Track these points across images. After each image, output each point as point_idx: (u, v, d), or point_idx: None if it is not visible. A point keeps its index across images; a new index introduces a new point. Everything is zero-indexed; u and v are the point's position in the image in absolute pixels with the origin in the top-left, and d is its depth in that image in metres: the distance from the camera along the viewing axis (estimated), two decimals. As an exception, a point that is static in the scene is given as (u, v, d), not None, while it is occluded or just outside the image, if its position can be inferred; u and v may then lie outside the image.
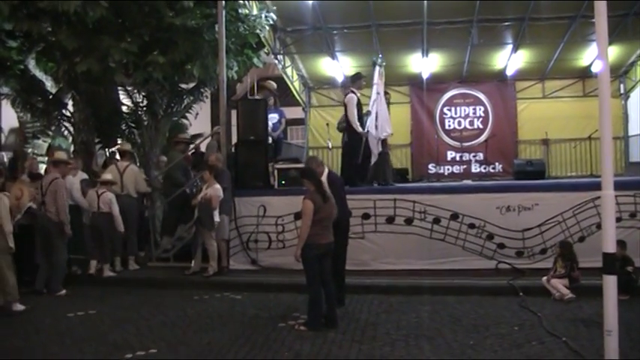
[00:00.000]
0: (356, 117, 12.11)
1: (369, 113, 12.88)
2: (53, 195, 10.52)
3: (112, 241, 11.76)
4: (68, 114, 15.94)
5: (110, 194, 11.67)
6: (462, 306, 8.87)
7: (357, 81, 12.56)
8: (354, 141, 12.31)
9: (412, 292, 9.71)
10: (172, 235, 12.67)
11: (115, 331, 7.98)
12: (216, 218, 10.99)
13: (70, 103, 16.09)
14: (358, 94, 12.49)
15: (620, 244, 8.99)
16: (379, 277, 10.48)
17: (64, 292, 10.54)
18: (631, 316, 7.87)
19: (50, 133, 17.33)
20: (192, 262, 11.44)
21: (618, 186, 9.95)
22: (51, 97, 15.91)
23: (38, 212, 10.63)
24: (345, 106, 12.25)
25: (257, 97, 13.05)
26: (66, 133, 16.58)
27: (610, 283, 5.18)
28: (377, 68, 13.53)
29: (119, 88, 16.14)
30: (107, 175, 12.04)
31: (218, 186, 11.02)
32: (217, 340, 7.44)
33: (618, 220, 10.24)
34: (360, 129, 12.16)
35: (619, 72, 19.40)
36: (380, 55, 14.29)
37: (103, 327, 8.22)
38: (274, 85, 13.86)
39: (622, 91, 19.71)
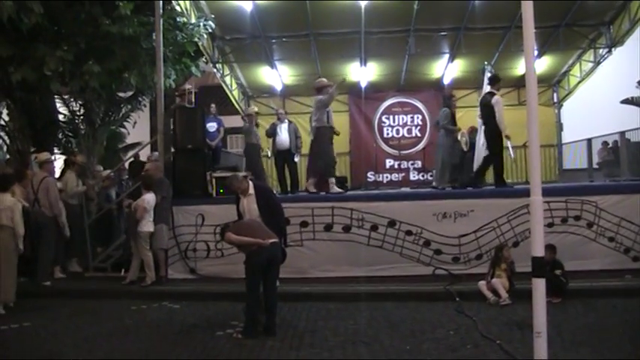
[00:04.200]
0: (504, 118, 12.12)
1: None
2: (45, 192, 11.36)
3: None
4: (2, 122, 15.61)
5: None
6: (400, 312, 8.92)
7: (497, 83, 12.60)
8: (497, 143, 12.35)
9: (350, 298, 9.73)
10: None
11: (50, 342, 7.80)
12: (144, 228, 10.88)
13: (5, 111, 15.77)
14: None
15: (550, 248, 9.21)
16: (317, 285, 10.49)
17: (49, 283, 11.26)
18: (563, 317, 8.11)
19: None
20: (124, 271, 11.32)
21: (551, 192, 10.26)
22: (-17, 105, 15.57)
23: (31, 209, 11.10)
24: (493, 106, 12.13)
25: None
26: (0, 142, 16.24)
27: (539, 286, 5.28)
28: (487, 75, 13.66)
29: (56, 96, 15.87)
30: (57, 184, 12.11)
31: (147, 196, 10.88)
32: (155, 349, 7.35)
33: (550, 225, 10.54)
34: (507, 131, 12.19)
35: (552, 81, 19.90)
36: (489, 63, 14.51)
37: (38, 339, 8.01)
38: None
39: (555, 99, 20.20)
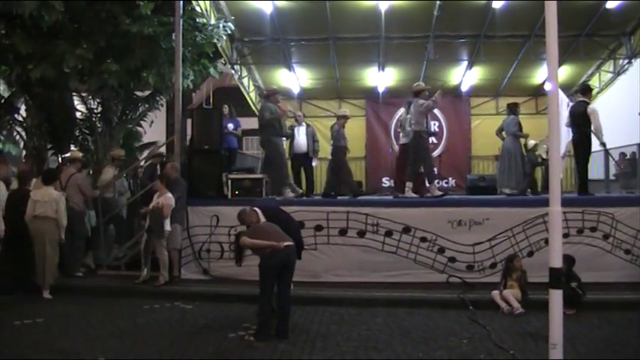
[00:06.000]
0: (602, 127, 12.15)
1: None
2: (76, 188, 11.77)
3: None
4: (20, 119, 15.68)
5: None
6: (413, 318, 8.90)
7: (590, 92, 12.82)
8: (587, 151, 12.37)
9: (363, 304, 9.71)
10: None
11: (62, 339, 7.81)
12: (167, 227, 10.87)
13: (23, 107, 15.84)
14: None
15: (567, 259, 9.13)
16: (330, 289, 10.47)
17: (81, 274, 11.87)
18: (577, 329, 8.03)
19: (1, 138, 17.02)
20: (142, 270, 11.27)
21: (568, 202, 10.18)
22: (3, 101, 15.63)
23: None
24: (589, 116, 12.10)
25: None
26: (17, 138, 16.31)
27: (556, 297, 5.21)
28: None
29: (74, 93, 15.92)
30: None
31: (170, 195, 10.90)
32: (166, 349, 7.34)
33: (566, 235, 10.43)
34: (604, 139, 12.26)
35: (571, 91, 19.77)
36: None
37: (51, 335, 8.04)
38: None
39: (573, 110, 20.07)
